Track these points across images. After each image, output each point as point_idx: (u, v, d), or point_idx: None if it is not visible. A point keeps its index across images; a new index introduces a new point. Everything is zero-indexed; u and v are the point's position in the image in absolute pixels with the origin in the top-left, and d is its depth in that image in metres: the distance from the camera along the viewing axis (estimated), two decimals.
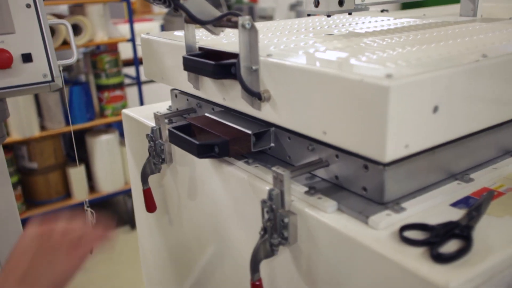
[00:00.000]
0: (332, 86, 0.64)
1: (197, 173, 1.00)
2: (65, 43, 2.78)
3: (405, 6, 3.97)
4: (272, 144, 0.87)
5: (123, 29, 3.45)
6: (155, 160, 1.07)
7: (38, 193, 2.93)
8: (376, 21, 1.20)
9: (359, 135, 0.62)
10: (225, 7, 4.20)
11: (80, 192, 3.00)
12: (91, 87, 3.10)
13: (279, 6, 5.53)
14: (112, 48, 3.17)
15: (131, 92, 3.39)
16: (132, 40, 3.01)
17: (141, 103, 3.11)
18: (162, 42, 1.07)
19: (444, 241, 0.60)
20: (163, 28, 4.28)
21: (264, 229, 0.74)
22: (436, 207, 0.69)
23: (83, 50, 3.25)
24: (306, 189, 0.74)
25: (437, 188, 0.73)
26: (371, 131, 0.60)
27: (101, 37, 2.93)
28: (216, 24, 0.83)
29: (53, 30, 2.69)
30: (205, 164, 0.96)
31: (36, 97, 2.83)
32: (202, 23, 0.83)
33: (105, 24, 2.96)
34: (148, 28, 3.78)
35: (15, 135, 2.82)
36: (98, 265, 2.55)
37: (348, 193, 0.73)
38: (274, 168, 0.71)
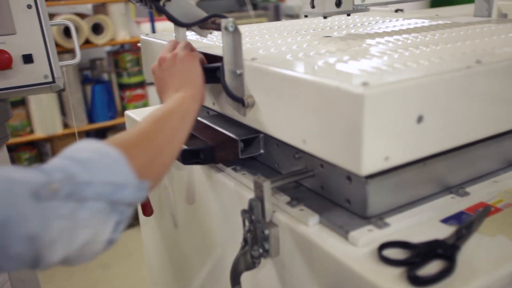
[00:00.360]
0: (311, 92, 0.61)
1: (192, 178, 0.98)
2: (87, 42, 2.81)
3: (434, 4, 3.85)
4: (262, 151, 0.84)
5: (147, 28, 3.47)
6: None
7: None
8: (383, 21, 1.15)
9: (336, 145, 0.59)
10: (250, 6, 4.17)
11: None
12: (113, 86, 3.13)
13: (306, 5, 5.45)
14: (136, 47, 3.19)
15: (153, 91, 3.41)
16: None
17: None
18: (159, 44, 1.05)
19: (425, 261, 0.56)
20: None
21: (245, 240, 0.71)
22: (424, 223, 0.64)
23: (108, 49, 3.29)
24: (289, 199, 0.71)
25: (428, 202, 0.68)
26: (347, 141, 0.56)
27: (122, 36, 2.95)
28: (202, 26, 0.81)
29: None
30: (198, 169, 0.93)
31: (59, 96, 2.88)
32: (184, 26, 0.81)
33: (127, 23, 2.98)
34: (171, 27, 3.77)
35: (39, 133, 2.88)
36: (114, 263, 2.58)
37: (332, 205, 0.69)
38: (255, 177, 0.68)
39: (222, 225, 0.89)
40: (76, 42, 1.25)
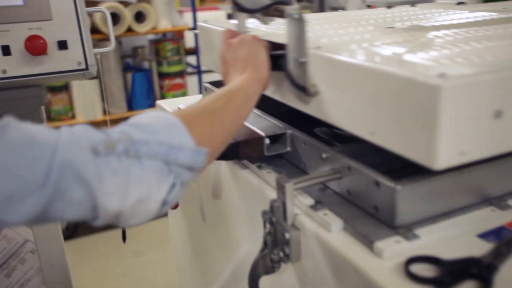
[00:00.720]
0: (381, 83, 0.57)
1: (218, 173, 0.96)
2: (129, 30, 2.84)
3: None
4: (289, 149, 0.80)
5: (189, 17, 3.48)
6: None
7: None
8: (447, 14, 1.08)
9: (409, 138, 0.55)
10: None
11: None
12: (153, 74, 3.15)
13: None
14: (179, 36, 3.20)
15: (192, 81, 3.42)
16: (195, 28, 3.02)
17: (201, 92, 3.12)
18: (218, 31, 1.03)
19: (456, 281, 0.51)
20: (230, 17, 4.27)
21: (265, 243, 0.68)
22: (458, 238, 0.59)
23: (151, 37, 3.32)
24: (313, 202, 0.67)
25: (464, 214, 0.62)
26: (421, 134, 0.53)
27: (164, 25, 2.96)
28: (265, 13, 0.79)
29: (118, 18, 2.75)
30: (224, 165, 0.91)
31: (101, 82, 2.93)
32: (249, 12, 0.80)
33: (169, 12, 2.99)
34: (214, 17, 3.77)
35: (80, 118, 2.94)
36: (147, 250, 2.61)
37: (359, 212, 0.65)
38: (277, 177, 0.65)
39: (246, 223, 0.86)
40: (111, 30, 1.25)
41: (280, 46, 0.77)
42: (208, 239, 1.10)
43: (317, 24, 0.99)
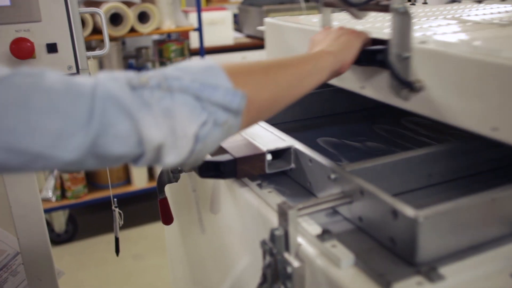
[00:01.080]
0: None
1: (216, 186, 0.88)
2: (133, 30, 2.77)
3: None
4: (293, 166, 0.72)
5: (194, 18, 3.40)
6: (172, 168, 0.96)
7: (100, 177, 2.98)
8: (507, 11, 1.02)
9: None
10: None
11: (139, 179, 3.00)
12: None
13: None
14: (184, 36, 3.13)
15: None
16: (200, 29, 2.95)
17: None
18: (291, 27, 0.99)
19: None
20: (237, 17, 4.19)
21: (264, 276, 0.60)
22: (489, 278, 0.50)
23: (156, 37, 3.25)
24: (320, 231, 0.59)
25: (496, 248, 0.54)
26: None
27: (168, 26, 2.88)
28: (363, 7, 0.75)
29: (121, 18, 2.69)
30: (221, 181, 0.83)
31: None
32: (351, 5, 0.75)
33: (173, 13, 2.91)
34: (220, 17, 3.68)
35: None
36: (147, 254, 2.55)
37: (373, 243, 0.56)
38: (279, 203, 0.57)
39: (244, 243, 0.78)
40: (105, 32, 1.17)
41: (381, 42, 0.73)
42: (204, 252, 1.02)
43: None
